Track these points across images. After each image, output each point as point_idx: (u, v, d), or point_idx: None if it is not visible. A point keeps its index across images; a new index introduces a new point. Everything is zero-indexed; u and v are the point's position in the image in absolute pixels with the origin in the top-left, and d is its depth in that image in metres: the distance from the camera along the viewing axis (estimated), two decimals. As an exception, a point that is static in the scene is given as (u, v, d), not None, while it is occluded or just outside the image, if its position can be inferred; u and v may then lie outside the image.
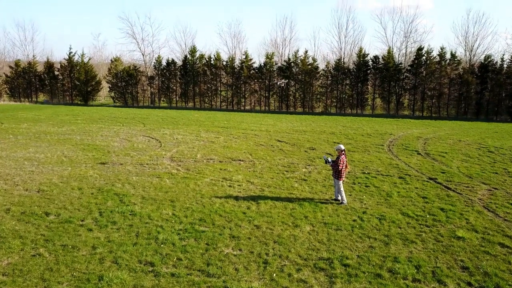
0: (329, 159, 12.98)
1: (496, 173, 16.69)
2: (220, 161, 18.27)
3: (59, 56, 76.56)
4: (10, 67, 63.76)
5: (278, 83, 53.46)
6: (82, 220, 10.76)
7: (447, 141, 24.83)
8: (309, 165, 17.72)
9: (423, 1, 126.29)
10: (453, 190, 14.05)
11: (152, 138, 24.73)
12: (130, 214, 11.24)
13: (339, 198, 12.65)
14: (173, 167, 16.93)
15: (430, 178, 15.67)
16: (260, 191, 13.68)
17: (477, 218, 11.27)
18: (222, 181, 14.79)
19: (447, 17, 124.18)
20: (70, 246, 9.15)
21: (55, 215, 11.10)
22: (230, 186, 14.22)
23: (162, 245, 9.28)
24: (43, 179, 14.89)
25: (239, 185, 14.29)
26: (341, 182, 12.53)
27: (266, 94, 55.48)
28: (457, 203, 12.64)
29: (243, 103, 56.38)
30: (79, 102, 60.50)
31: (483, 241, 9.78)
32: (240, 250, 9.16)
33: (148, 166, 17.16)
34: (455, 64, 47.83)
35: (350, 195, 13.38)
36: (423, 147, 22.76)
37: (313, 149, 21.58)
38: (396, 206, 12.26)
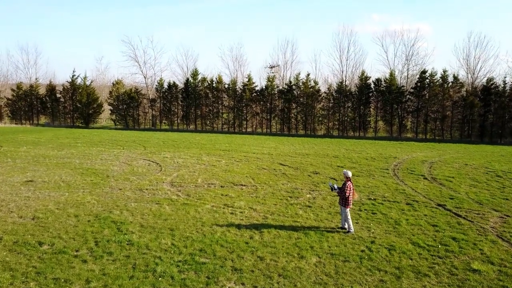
0: (335, 186, 12.51)
1: (507, 199, 16.15)
2: (221, 186, 17.78)
3: (62, 79, 77.01)
4: (12, 90, 63.97)
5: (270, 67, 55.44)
6: (76, 251, 10.23)
7: (453, 165, 24.34)
8: (313, 191, 17.22)
9: (422, 25, 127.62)
10: (464, 218, 13.50)
11: (153, 161, 24.30)
12: (127, 244, 10.71)
13: (346, 226, 12.12)
14: (173, 193, 16.44)
15: (439, 205, 15.13)
16: (263, 218, 13.16)
17: (492, 249, 10.71)
18: (223, 208, 14.28)
19: (448, 40, 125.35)
20: (63, 280, 8.62)
21: (48, 245, 10.58)
22: (232, 213, 13.70)
23: (160, 279, 8.74)
24: (38, 205, 14.40)
25: (241, 212, 13.77)
26: (348, 210, 12.02)
27: (268, 117, 55.35)
28: (469, 231, 12.08)
29: (245, 126, 56.19)
30: (80, 125, 60.39)
31: (500, 274, 9.22)
32: (243, 284, 8.62)
33: (148, 191, 16.68)
34: (458, 87, 47.76)
35: (356, 223, 12.85)
36: (429, 171, 22.27)
37: (316, 173, 21.10)
38: (405, 235, 11.71)
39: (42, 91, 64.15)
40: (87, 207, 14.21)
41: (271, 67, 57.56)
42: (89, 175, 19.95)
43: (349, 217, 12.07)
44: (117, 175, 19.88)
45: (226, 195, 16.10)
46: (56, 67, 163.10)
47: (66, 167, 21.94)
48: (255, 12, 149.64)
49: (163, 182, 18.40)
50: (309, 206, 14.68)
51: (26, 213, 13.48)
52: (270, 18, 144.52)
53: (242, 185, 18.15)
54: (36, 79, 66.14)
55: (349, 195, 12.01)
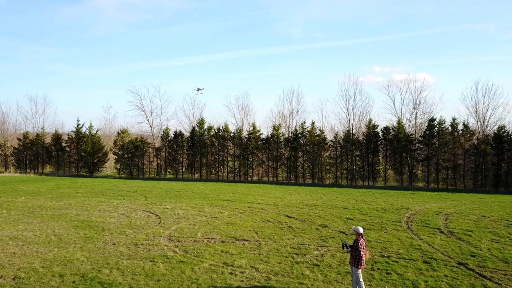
0: (347, 244, 11.32)
1: (534, 256, 14.72)
2: (222, 241, 16.54)
3: (69, 128, 77.33)
4: (19, 139, 64.18)
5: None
6: (53, 320, 9.03)
7: (470, 217, 22.91)
8: (321, 246, 15.90)
9: (424, 75, 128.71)
10: (490, 279, 12.12)
11: (152, 213, 23.18)
12: (111, 311, 9.50)
13: (358, 289, 10.81)
14: (169, 248, 15.24)
15: (460, 263, 13.76)
16: (265, 280, 11.87)
17: (528, 319, 9.33)
18: (222, 267, 13.02)
19: (452, 89, 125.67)
20: None
21: (23, 312, 9.40)
22: (231, 273, 12.43)
23: None
24: (23, 263, 13.29)
25: (241, 272, 12.49)
26: (360, 271, 10.76)
27: (274, 165, 54.46)
28: (498, 296, 10.71)
29: (250, 174, 55.24)
30: (84, 174, 59.79)
31: None
32: None
33: (143, 246, 15.50)
34: (468, 135, 46.79)
35: (369, 285, 11.53)
36: (444, 224, 20.88)
37: (325, 227, 19.81)
38: (426, 301, 10.37)
39: (48, 140, 64.22)
40: (75, 265, 13.07)
41: (198, 90, 63.60)
42: (84, 228, 18.86)
43: (361, 279, 10.79)
44: (113, 228, 18.77)
45: (227, 252, 14.85)
46: (64, 116, 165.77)
47: (61, 219, 20.90)
48: (261, 65, 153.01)
49: (161, 236, 17.23)
50: (317, 265, 13.37)
51: (8, 272, 12.38)
52: (275, 70, 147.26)
53: (244, 240, 16.90)
54: (42, 128, 66.40)
55: (362, 254, 10.79)
